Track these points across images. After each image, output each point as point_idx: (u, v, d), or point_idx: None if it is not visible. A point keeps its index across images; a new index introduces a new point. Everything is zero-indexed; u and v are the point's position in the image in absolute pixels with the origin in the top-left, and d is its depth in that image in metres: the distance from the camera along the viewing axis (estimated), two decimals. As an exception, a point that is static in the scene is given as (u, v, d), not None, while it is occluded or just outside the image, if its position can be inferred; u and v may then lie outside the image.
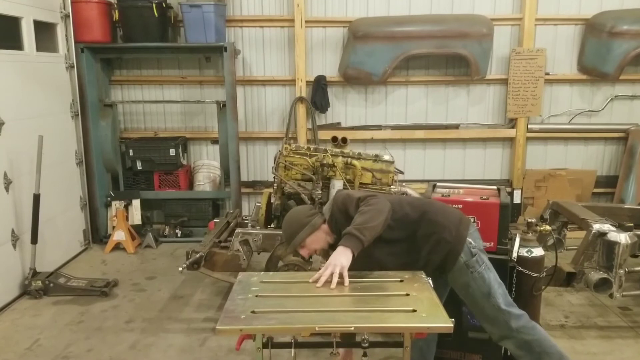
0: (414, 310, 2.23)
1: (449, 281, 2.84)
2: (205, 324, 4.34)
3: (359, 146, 6.40)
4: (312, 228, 2.72)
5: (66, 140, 5.83)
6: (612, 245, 3.73)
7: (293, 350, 2.32)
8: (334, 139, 5.79)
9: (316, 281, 2.50)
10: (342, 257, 2.50)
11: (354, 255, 2.50)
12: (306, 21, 6.31)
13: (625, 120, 6.55)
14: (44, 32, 5.49)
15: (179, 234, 6.49)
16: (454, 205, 3.14)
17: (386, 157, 4.61)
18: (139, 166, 6.40)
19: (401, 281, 2.57)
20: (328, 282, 2.47)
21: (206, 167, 6.70)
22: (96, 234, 6.33)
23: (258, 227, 4.71)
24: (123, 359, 3.86)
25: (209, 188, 6.65)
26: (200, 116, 6.77)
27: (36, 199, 4.92)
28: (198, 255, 4.22)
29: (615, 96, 6.53)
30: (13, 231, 4.83)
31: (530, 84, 6.36)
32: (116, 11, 5.94)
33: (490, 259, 3.08)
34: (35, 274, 4.90)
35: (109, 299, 4.83)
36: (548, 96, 6.56)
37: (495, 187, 3.38)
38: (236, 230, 4.57)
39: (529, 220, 3.24)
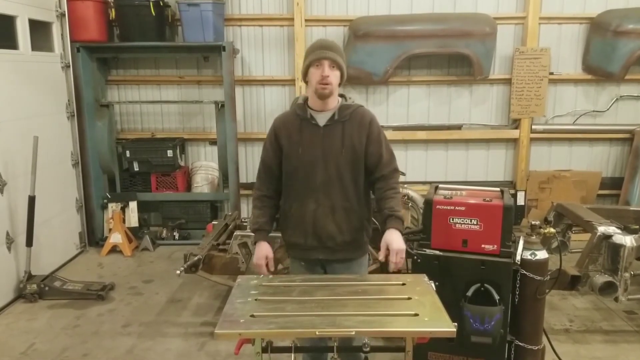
0: (416, 314, 2.23)
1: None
2: (204, 328, 4.35)
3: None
4: (345, 69, 2.81)
5: (62, 141, 5.84)
6: (617, 248, 3.74)
7: (293, 354, 2.33)
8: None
9: (313, 284, 2.56)
10: (401, 240, 2.70)
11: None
12: (306, 20, 6.33)
13: (630, 121, 6.56)
14: (39, 31, 5.50)
15: (176, 237, 6.50)
16: (456, 208, 3.15)
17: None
18: (136, 167, 6.41)
19: (403, 284, 2.57)
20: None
21: (204, 169, 6.71)
22: (92, 237, 6.34)
23: (257, 230, 4.71)
24: (120, 363, 3.87)
25: (207, 190, 6.66)
26: (199, 117, 6.78)
27: (31, 200, 4.93)
28: (196, 258, 4.22)
29: (621, 96, 6.54)
30: (8, 234, 4.83)
31: (534, 84, 6.38)
32: (113, 10, 5.97)
33: (493, 262, 3.10)
34: (30, 277, 4.91)
35: (106, 302, 4.84)
36: (552, 96, 6.57)
37: (498, 189, 3.38)
38: (235, 233, 4.57)
39: (533, 222, 3.25)
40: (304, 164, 2.82)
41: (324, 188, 2.79)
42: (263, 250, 2.92)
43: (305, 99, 2.88)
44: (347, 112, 2.81)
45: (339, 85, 2.81)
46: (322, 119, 2.81)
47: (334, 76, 2.73)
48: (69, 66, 5.87)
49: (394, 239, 2.67)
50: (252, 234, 3.00)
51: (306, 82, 2.84)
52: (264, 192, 2.97)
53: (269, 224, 2.96)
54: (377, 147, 2.82)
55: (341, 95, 2.88)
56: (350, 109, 2.83)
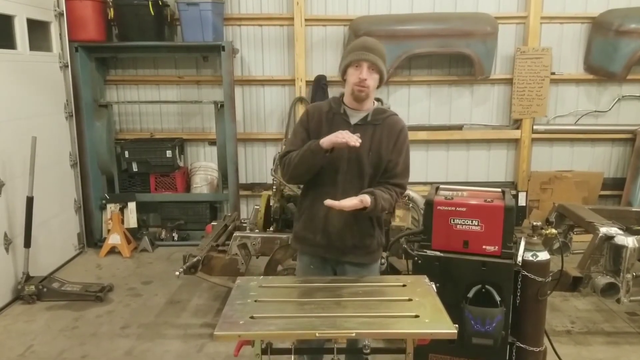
0: (417, 316, 2.24)
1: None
2: (203, 329, 4.35)
3: (360, 147, 6.40)
4: (386, 73, 2.79)
5: (60, 141, 5.84)
6: (619, 249, 3.74)
7: (293, 356, 2.33)
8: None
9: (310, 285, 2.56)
10: (359, 203, 2.61)
11: (364, 209, 2.64)
12: (306, 19, 6.33)
13: (632, 121, 6.56)
14: (38, 30, 5.50)
15: (175, 238, 6.50)
16: (457, 209, 3.15)
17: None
18: (135, 168, 6.41)
19: (404, 286, 2.58)
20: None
21: (203, 169, 6.71)
22: (91, 238, 6.34)
23: (257, 231, 4.72)
24: (118, 365, 3.87)
25: (207, 190, 6.66)
26: (198, 117, 6.78)
27: (29, 201, 4.93)
28: (195, 259, 4.23)
29: (623, 96, 6.54)
30: (6, 235, 4.83)
31: (535, 84, 6.38)
32: (111, 9, 5.97)
33: (494, 263, 3.10)
34: (28, 278, 4.91)
35: (104, 304, 4.84)
36: (554, 96, 6.57)
37: (499, 190, 3.38)
38: (234, 234, 4.57)
39: (534, 223, 3.25)
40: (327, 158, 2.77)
41: (343, 186, 2.78)
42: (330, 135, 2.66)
43: (342, 94, 2.88)
44: (381, 117, 2.82)
45: (378, 87, 2.80)
46: (354, 118, 2.81)
47: (372, 79, 2.72)
48: (68, 66, 5.87)
49: (362, 196, 2.63)
50: (308, 154, 2.72)
51: (344, 80, 2.82)
52: None
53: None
54: (397, 155, 2.82)
55: (377, 99, 2.87)
56: (384, 114, 2.83)
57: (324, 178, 2.80)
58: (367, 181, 2.80)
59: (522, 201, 6.55)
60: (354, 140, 2.55)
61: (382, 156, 2.79)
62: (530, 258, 3.13)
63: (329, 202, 2.61)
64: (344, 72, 2.80)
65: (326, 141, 2.62)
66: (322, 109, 2.88)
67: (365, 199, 2.63)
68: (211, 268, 4.46)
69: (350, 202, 2.61)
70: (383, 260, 3.81)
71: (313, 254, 2.94)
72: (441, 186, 3.49)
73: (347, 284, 2.61)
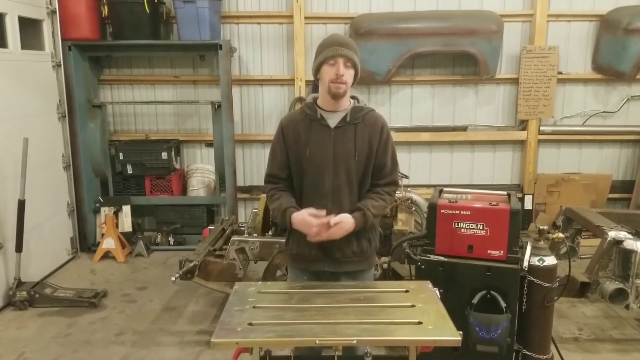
0: (420, 323, 2.24)
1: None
2: (200, 336, 4.35)
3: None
4: (359, 68, 2.77)
5: (53, 142, 5.85)
6: (628, 254, 3.74)
7: (292, 364, 2.34)
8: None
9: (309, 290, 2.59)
10: (348, 228, 2.68)
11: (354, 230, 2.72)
12: (306, 17, 6.34)
13: (642, 122, 6.58)
14: (29, 29, 5.52)
15: (171, 242, 6.50)
16: (461, 212, 3.16)
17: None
18: (130, 170, 6.41)
19: (406, 292, 2.58)
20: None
21: (200, 171, 6.72)
22: (84, 242, 6.34)
23: (255, 235, 4.73)
24: (113, 373, 3.88)
25: (203, 193, 6.67)
26: (194, 117, 6.79)
27: (21, 204, 4.93)
28: (192, 264, 4.23)
29: (632, 96, 6.55)
30: (-3, 239, 4.85)
31: (542, 84, 6.39)
32: (105, 7, 5.97)
33: (499, 268, 3.11)
34: (20, 284, 4.92)
35: (98, 310, 4.84)
36: (561, 96, 6.58)
37: (505, 193, 3.39)
38: (232, 238, 4.58)
39: (541, 227, 3.26)
40: (312, 167, 2.78)
41: (333, 194, 2.76)
42: (302, 214, 2.72)
43: (315, 99, 2.85)
44: (360, 115, 2.79)
45: (352, 84, 2.78)
46: (333, 120, 2.78)
47: (348, 75, 2.69)
48: (60, 65, 5.88)
49: (346, 221, 2.68)
50: (282, 220, 2.84)
51: (317, 80, 2.80)
52: (277, 186, 2.89)
53: (294, 203, 2.81)
54: (383, 154, 2.81)
55: (353, 97, 2.85)
56: (362, 111, 2.81)
57: (312, 189, 2.80)
58: (357, 185, 2.79)
59: (528, 204, 6.56)
60: (314, 235, 2.67)
61: (368, 156, 2.78)
62: (537, 263, 3.14)
63: (316, 238, 2.69)
64: (317, 71, 2.76)
65: (295, 222, 2.72)
66: (295, 119, 2.87)
67: (356, 219, 2.70)
68: (208, 273, 4.46)
69: (339, 231, 2.66)
70: (377, 271, 3.81)
71: (309, 268, 2.91)
72: (445, 189, 3.50)
73: (347, 290, 2.61)
